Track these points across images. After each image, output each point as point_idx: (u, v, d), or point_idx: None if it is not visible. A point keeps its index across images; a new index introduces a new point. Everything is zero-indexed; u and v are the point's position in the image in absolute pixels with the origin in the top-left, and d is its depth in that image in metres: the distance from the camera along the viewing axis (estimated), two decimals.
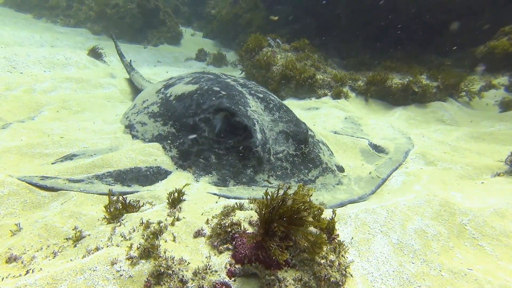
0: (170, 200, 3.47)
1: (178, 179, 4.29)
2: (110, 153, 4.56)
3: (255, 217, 2.93)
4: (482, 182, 4.19)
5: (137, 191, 3.88)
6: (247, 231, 2.78)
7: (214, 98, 4.95)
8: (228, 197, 3.89)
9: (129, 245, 2.84)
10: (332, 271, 2.44)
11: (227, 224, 2.86)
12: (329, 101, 8.20)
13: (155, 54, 16.56)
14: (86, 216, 3.45)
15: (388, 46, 13.65)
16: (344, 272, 2.48)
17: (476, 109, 8.77)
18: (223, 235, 2.84)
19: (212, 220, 3.18)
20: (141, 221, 3.15)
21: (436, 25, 13.58)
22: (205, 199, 3.80)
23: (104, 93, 8.93)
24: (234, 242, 2.75)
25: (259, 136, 4.45)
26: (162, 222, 3.12)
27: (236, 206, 3.28)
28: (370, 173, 4.79)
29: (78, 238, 3.15)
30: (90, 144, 5.14)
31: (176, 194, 3.48)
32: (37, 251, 3.05)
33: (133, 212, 3.46)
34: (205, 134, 4.65)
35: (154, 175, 4.30)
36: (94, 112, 7.25)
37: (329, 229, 2.74)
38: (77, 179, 4.00)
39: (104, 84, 9.46)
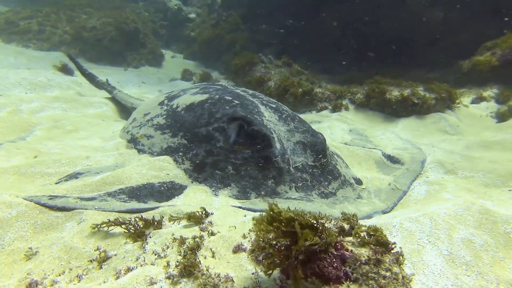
0: (199, 214, 3.33)
1: (196, 193, 4.15)
2: (119, 170, 4.38)
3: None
4: (510, 190, 4.23)
5: (157, 207, 3.72)
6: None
7: (227, 107, 4.88)
8: (254, 210, 3.78)
9: (166, 263, 2.69)
10: (398, 285, 2.34)
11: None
12: (330, 114, 8.26)
13: (138, 75, 16.48)
14: (108, 234, 3.26)
15: (372, 64, 14.12)
16: (408, 286, 2.38)
17: (472, 120, 9.00)
18: (268, 249, 2.70)
19: (249, 234, 3.06)
20: (173, 237, 3.00)
21: (419, 42, 14.19)
22: (231, 212, 3.68)
23: (96, 112, 8.72)
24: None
25: (278, 145, 4.39)
26: (197, 237, 2.97)
27: None
28: (389, 184, 4.77)
29: (103, 259, 2.95)
30: (93, 162, 4.94)
31: (202, 210, 3.35)
32: (59, 275, 2.84)
33: (158, 228, 3.29)
34: (220, 144, 4.55)
35: (169, 191, 4.15)
36: (89, 131, 7.02)
37: (382, 238, 2.65)
38: (89, 197, 3.80)
39: (95, 103, 9.24)
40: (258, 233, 2.49)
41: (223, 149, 4.49)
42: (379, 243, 2.51)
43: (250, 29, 17.61)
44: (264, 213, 2.48)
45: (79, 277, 2.81)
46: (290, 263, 2.42)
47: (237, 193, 4.12)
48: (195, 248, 2.82)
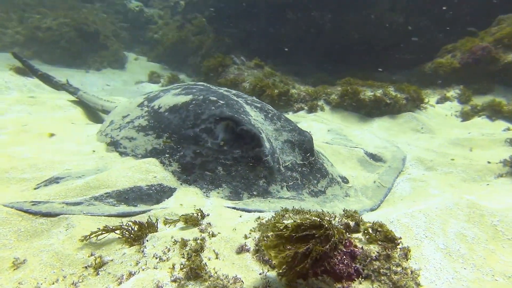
0: (196, 216, 3.25)
1: (186, 195, 4.06)
2: (104, 173, 4.21)
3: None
4: (488, 184, 4.45)
5: (148, 210, 3.60)
6: None
7: (213, 108, 4.82)
8: (248, 211, 3.74)
9: (172, 266, 2.60)
10: (408, 280, 2.36)
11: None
12: (307, 115, 8.36)
13: (102, 77, 16.01)
14: (100, 240, 3.12)
15: (337, 67, 14.51)
16: (417, 281, 2.40)
17: (439, 119, 9.41)
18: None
19: (250, 234, 3.02)
20: (173, 240, 2.91)
21: (381, 45, 14.74)
22: (225, 213, 3.62)
23: (65, 115, 8.34)
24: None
25: (267, 145, 4.38)
26: (198, 238, 2.91)
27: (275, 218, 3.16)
28: (374, 182, 4.88)
29: (99, 265, 2.82)
30: (72, 166, 4.73)
31: (198, 211, 3.28)
32: (53, 283, 2.69)
33: (153, 232, 3.19)
34: (208, 145, 4.49)
35: (158, 193, 4.03)
36: (60, 135, 6.70)
37: (390, 234, 2.69)
38: (75, 202, 3.63)
39: (63, 106, 8.84)
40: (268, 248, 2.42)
41: (211, 150, 4.43)
42: (387, 238, 2.55)
43: (217, 32, 17.56)
44: (270, 233, 2.40)
45: (75, 285, 2.67)
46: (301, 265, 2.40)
47: (229, 194, 4.07)
48: (199, 249, 2.75)
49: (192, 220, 3.26)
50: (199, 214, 3.33)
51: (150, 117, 5.33)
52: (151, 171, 4.35)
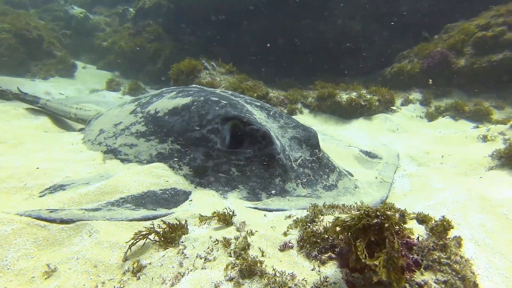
0: (228, 214, 3.16)
1: (204, 197, 3.94)
2: (113, 179, 3.98)
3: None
4: (480, 177, 4.70)
5: (171, 213, 3.45)
6: None
7: (217, 108, 4.72)
8: (271, 210, 3.69)
9: (223, 265, 2.51)
10: (466, 269, 2.35)
11: (321, 231, 2.70)
12: None
13: (54, 86, 15.14)
14: (130, 244, 2.94)
15: (300, 73, 14.89)
16: (471, 270, 2.41)
17: (408, 120, 9.87)
18: (320, 243, 2.65)
19: (288, 231, 2.98)
20: (213, 240, 2.80)
21: (341, 51, 15.32)
22: (250, 214, 3.55)
23: (35, 124, 7.82)
24: (337, 250, 2.57)
25: (278, 142, 4.37)
26: (239, 237, 2.82)
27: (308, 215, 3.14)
28: (376, 177, 5.01)
29: (138, 269, 2.66)
30: (71, 173, 4.43)
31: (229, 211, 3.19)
32: None
33: (185, 233, 3.06)
34: (217, 146, 4.39)
35: (174, 197, 3.88)
36: (37, 144, 6.22)
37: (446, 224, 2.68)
38: (93, 207, 3.40)
39: (27, 115, 8.28)
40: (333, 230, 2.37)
41: (222, 151, 4.33)
42: (443, 228, 2.55)
43: (175, 39, 17.30)
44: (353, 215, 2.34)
45: None
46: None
47: (247, 195, 3.99)
48: (246, 247, 2.67)
49: (225, 219, 3.17)
50: (232, 212, 3.23)
51: (148, 122, 5.13)
52: (162, 176, 4.18)
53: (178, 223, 3.07)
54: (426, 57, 12.55)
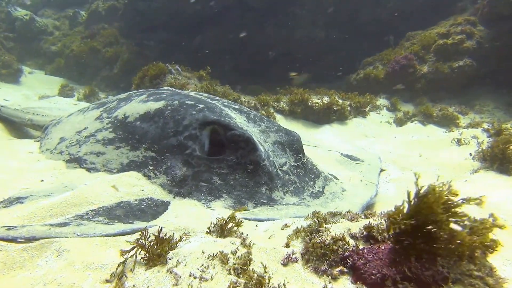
0: (222, 227, 2.88)
1: (185, 207, 3.61)
2: (81, 189, 3.57)
3: (354, 229, 2.62)
4: (466, 180, 4.70)
5: (150, 226, 3.10)
6: (361, 248, 2.42)
7: (194, 112, 4.42)
8: (261, 220, 3.44)
9: (228, 286, 2.23)
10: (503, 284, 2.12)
11: (329, 242, 2.48)
12: None
13: None
14: (108, 264, 2.57)
15: (262, 79, 14.84)
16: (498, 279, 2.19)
17: (377, 126, 10.00)
18: (330, 256, 2.42)
19: (289, 242, 2.74)
20: (207, 255, 2.50)
21: (304, 58, 15.47)
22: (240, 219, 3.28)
23: None
24: (349, 263, 2.35)
25: (262, 148, 4.14)
26: (237, 251, 2.55)
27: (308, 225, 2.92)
28: (361, 180, 4.90)
29: None
30: (29, 184, 3.97)
31: (228, 221, 2.91)
32: None
33: (173, 248, 2.73)
34: (196, 153, 4.09)
35: (151, 208, 3.53)
36: None
37: None
38: (60, 222, 2.99)
39: None
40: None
41: (202, 158, 4.04)
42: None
43: (132, 43, 16.70)
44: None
45: None
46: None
47: (233, 204, 3.72)
48: (247, 263, 2.40)
49: (214, 232, 2.89)
50: (236, 223, 2.95)
51: (116, 128, 4.73)
52: (136, 185, 3.82)
53: (164, 236, 2.74)
54: (391, 62, 12.87)
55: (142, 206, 3.50)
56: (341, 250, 2.41)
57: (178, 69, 11.78)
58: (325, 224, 2.73)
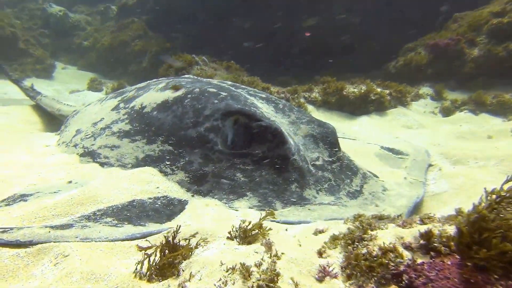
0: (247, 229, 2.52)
1: (204, 207, 3.29)
2: (90, 186, 3.32)
3: (408, 237, 2.18)
4: None
5: (164, 229, 2.79)
6: (420, 262, 1.98)
7: (216, 101, 4.08)
8: (292, 223, 3.06)
9: None
10: None
11: (377, 253, 2.06)
12: None
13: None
14: (111, 275, 2.27)
15: (293, 72, 14.32)
16: None
17: (421, 116, 9.34)
18: (378, 271, 2.00)
19: (324, 251, 2.34)
20: (226, 267, 2.15)
21: (338, 48, 14.80)
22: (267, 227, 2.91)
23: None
24: (405, 281, 1.91)
25: (291, 141, 3.75)
26: (261, 263, 2.18)
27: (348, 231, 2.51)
28: (405, 178, 4.42)
29: None
30: (36, 180, 3.76)
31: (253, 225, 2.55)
32: None
33: (187, 257, 2.39)
34: (218, 147, 3.75)
35: (167, 208, 3.22)
36: (2, 146, 5.54)
37: None
38: (62, 224, 2.72)
39: None
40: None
41: (224, 153, 3.70)
42: None
43: (160, 37, 16.62)
44: None
45: None
46: None
47: (258, 204, 3.36)
48: (274, 279, 2.02)
49: (244, 236, 2.53)
50: (249, 228, 2.59)
51: (133, 119, 4.47)
52: (151, 181, 3.53)
53: (178, 242, 2.41)
54: (436, 46, 12.05)
55: (157, 206, 3.20)
56: (392, 264, 1.99)
57: (204, 60, 11.57)
58: (370, 230, 2.31)
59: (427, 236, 2.09)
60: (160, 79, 5.67)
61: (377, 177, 4.31)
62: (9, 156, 4.69)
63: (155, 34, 17.10)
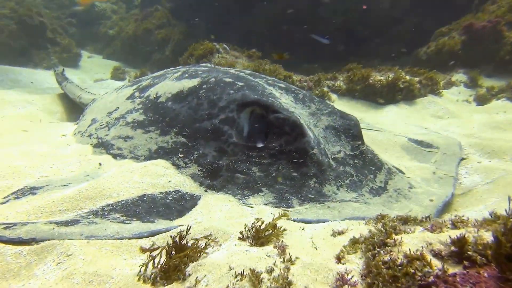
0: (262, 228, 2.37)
1: (217, 203, 3.16)
2: (100, 179, 3.24)
3: (437, 244, 1.97)
4: None
5: (174, 227, 2.68)
6: (451, 273, 1.77)
7: (231, 91, 3.93)
8: (309, 222, 2.89)
9: None
10: None
11: (403, 261, 1.86)
12: None
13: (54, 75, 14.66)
14: (115, 278, 2.17)
15: (320, 57, 13.87)
16: None
17: (453, 105, 8.90)
18: (403, 281, 1.80)
19: (343, 255, 2.17)
20: (236, 272, 2.01)
21: (365, 33, 14.23)
22: (283, 226, 2.75)
23: (19, 113, 7.21)
24: None
25: (311, 134, 3.56)
26: (273, 269, 2.02)
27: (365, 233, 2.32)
28: (434, 173, 4.16)
29: None
30: (49, 172, 3.72)
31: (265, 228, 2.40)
32: None
33: (195, 259, 2.27)
34: (233, 139, 3.60)
35: (178, 203, 3.11)
36: (18, 136, 5.58)
37: None
38: (68, 220, 2.65)
39: (15, 102, 7.69)
40: None
41: (239, 145, 3.55)
42: None
43: (183, 25, 16.48)
44: None
45: None
46: None
47: (274, 200, 3.20)
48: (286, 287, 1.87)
49: (256, 237, 2.39)
50: (262, 228, 2.44)
51: (147, 109, 4.38)
52: (163, 175, 3.42)
53: (187, 242, 2.29)
54: (471, 30, 11.43)
55: (168, 201, 3.09)
56: (419, 274, 1.80)
57: (226, 48, 11.41)
58: (395, 234, 2.11)
59: (460, 243, 1.89)
60: (178, 67, 5.55)
61: (403, 173, 4.08)
62: (25, 146, 4.70)
63: (178, 22, 17.03)
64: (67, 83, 8.02)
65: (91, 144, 4.43)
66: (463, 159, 4.48)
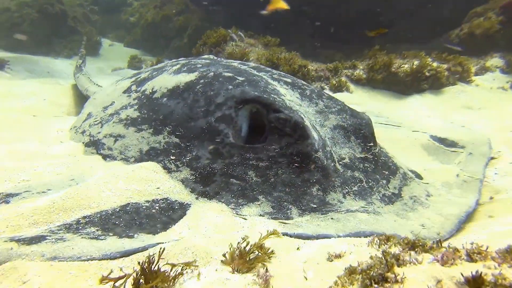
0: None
1: (208, 214, 2.88)
2: (80, 186, 3.01)
3: (448, 282, 1.63)
4: None
5: (153, 245, 2.41)
6: None
7: (230, 87, 3.62)
8: (308, 237, 2.59)
9: None
10: None
11: None
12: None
13: (73, 64, 14.66)
14: None
15: (343, 41, 13.28)
16: None
17: (486, 93, 8.30)
18: None
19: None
20: None
21: (391, 15, 13.50)
22: (274, 244, 2.45)
23: (24, 106, 7.06)
24: None
25: (315, 135, 3.22)
26: None
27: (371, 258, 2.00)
28: (457, 175, 3.76)
29: None
30: (32, 175, 3.52)
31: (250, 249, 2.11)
32: None
33: (172, 286, 2.00)
34: (229, 139, 3.31)
35: (164, 213, 2.85)
36: (17, 131, 5.41)
37: None
38: (33, 236, 2.43)
39: (20, 94, 7.59)
40: None
41: (235, 147, 3.26)
42: None
43: (202, 11, 16.19)
44: None
45: None
46: None
47: (271, 210, 2.91)
48: None
49: (241, 261, 2.11)
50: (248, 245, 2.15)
51: (142, 105, 4.13)
52: (152, 180, 3.17)
53: (157, 269, 2.02)
54: (507, 9, 10.63)
55: (153, 211, 2.85)
56: None
57: (240, 35, 11.07)
58: (397, 265, 1.79)
59: (475, 283, 1.55)
60: (178, 60, 5.27)
61: (420, 178, 3.70)
62: (15, 144, 4.52)
63: (197, 8, 16.78)
64: (80, 75, 7.90)
65: (83, 143, 4.22)
66: (492, 158, 4.05)
